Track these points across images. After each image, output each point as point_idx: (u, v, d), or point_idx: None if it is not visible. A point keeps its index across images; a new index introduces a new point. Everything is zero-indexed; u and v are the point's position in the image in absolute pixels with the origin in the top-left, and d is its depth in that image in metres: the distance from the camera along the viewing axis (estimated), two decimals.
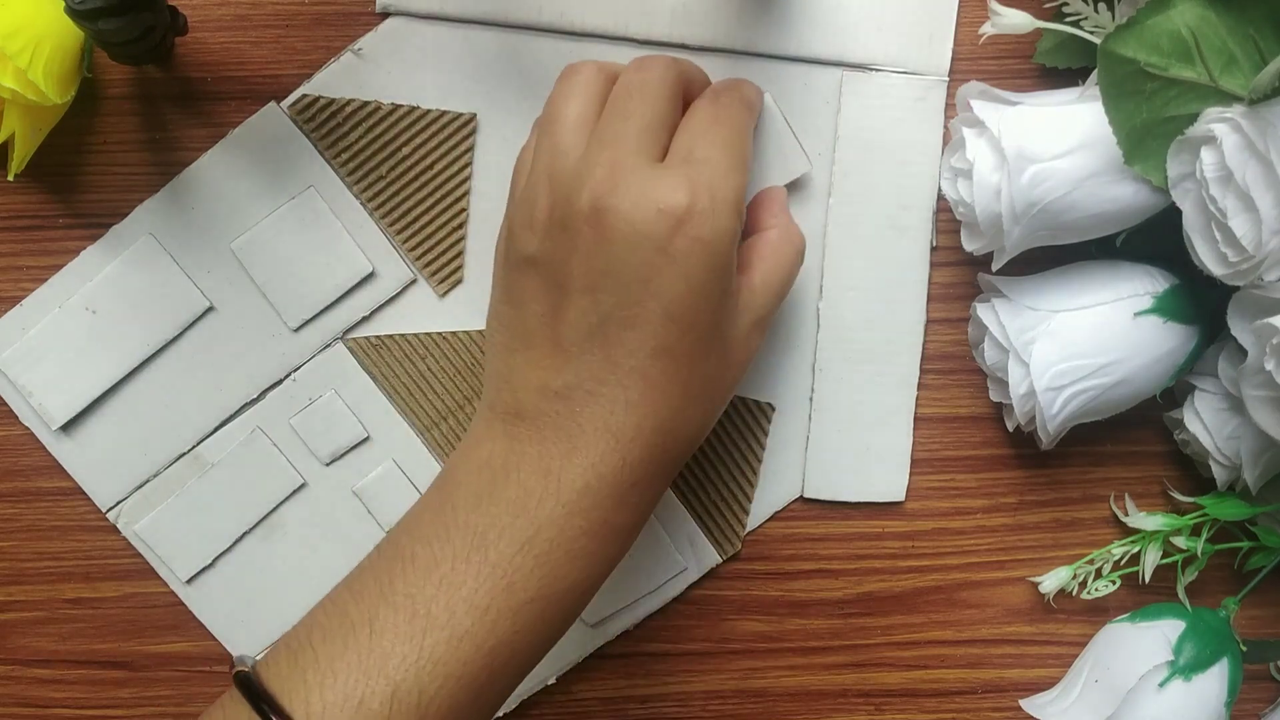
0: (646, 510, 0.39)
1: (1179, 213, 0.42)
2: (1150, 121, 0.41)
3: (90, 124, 0.48)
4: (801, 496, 0.50)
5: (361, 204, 0.48)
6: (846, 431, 0.50)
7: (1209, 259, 0.41)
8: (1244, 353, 0.42)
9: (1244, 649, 0.47)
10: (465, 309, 0.49)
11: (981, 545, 0.51)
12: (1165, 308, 0.44)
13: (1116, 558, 0.49)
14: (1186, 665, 0.45)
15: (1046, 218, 0.43)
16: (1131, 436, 0.50)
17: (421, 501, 0.40)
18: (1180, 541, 0.48)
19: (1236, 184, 0.38)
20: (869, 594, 0.51)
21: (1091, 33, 0.43)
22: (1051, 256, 0.47)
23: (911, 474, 0.50)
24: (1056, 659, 0.51)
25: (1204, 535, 0.47)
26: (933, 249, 0.49)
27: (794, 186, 0.49)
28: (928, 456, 0.50)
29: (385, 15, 0.47)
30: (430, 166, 0.48)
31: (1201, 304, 0.45)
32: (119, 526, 0.49)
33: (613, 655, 0.50)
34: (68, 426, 0.48)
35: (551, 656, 0.49)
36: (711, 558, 0.50)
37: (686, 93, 0.42)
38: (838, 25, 0.48)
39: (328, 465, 0.49)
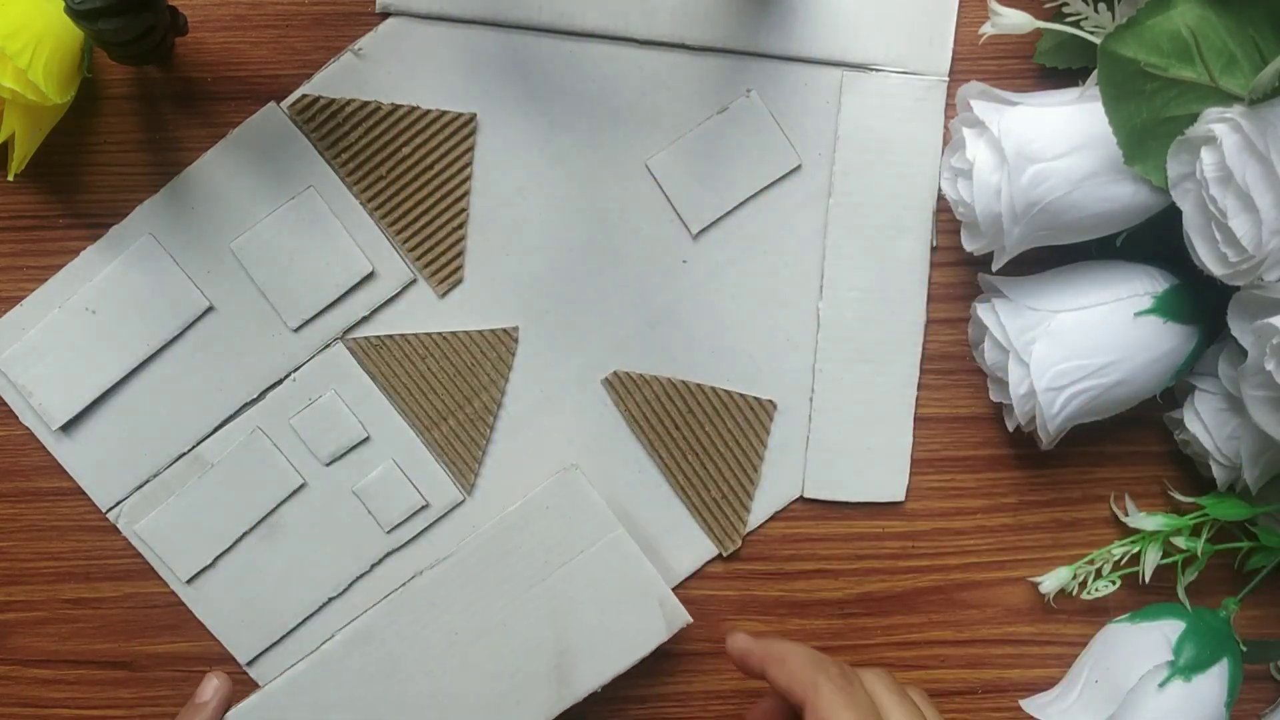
0: None
1: (1179, 213, 0.42)
2: (1150, 121, 0.41)
3: (90, 124, 0.48)
4: (801, 496, 0.50)
5: (361, 204, 0.48)
6: (846, 431, 0.50)
7: (1209, 259, 0.41)
8: (1244, 353, 0.42)
9: (1244, 649, 0.47)
10: (465, 309, 0.49)
11: (981, 545, 0.51)
12: (1165, 308, 0.44)
13: (1116, 558, 0.49)
14: (1186, 665, 0.45)
15: (1046, 218, 0.43)
16: (1131, 436, 0.50)
17: None
18: (1180, 541, 0.48)
19: (1236, 184, 0.38)
20: (869, 594, 0.51)
21: (1091, 33, 0.43)
22: (1051, 256, 0.47)
23: (911, 474, 0.50)
24: (1056, 659, 0.51)
25: (1204, 535, 0.47)
26: (933, 249, 0.49)
27: (794, 186, 0.49)
28: (928, 456, 0.50)
29: (385, 15, 0.47)
30: (430, 166, 0.48)
31: (1201, 304, 0.45)
32: (119, 526, 0.49)
33: None
34: (68, 426, 0.48)
35: None
36: (682, 617, 0.48)
37: None
38: (838, 25, 0.48)
39: (328, 465, 0.49)
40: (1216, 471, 0.47)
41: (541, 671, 0.48)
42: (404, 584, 0.47)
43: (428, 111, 0.48)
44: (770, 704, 0.45)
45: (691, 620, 0.48)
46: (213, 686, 0.48)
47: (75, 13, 0.40)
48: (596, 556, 0.48)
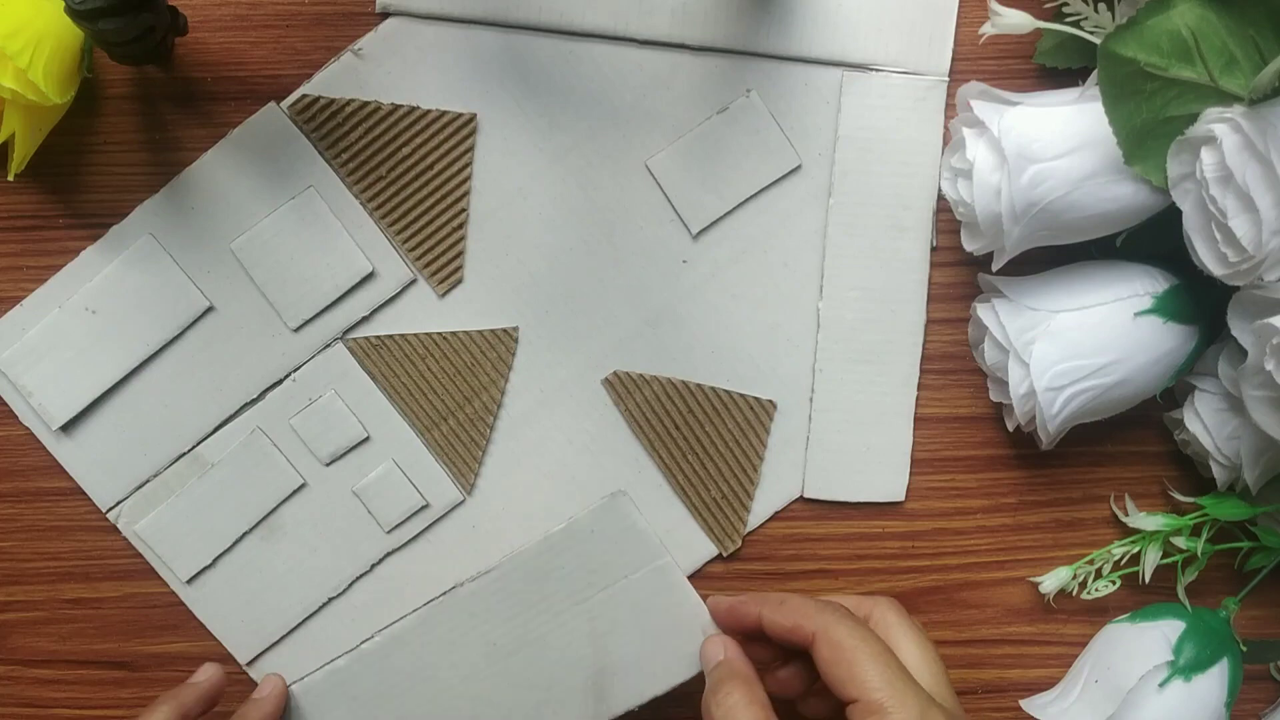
0: None
1: (1179, 213, 0.41)
2: (1150, 121, 0.41)
3: (90, 124, 0.48)
4: (801, 496, 0.50)
5: (361, 204, 0.48)
6: (846, 431, 0.50)
7: (1209, 259, 0.41)
8: (1244, 353, 0.42)
9: (1244, 649, 0.47)
10: (465, 309, 0.49)
11: (981, 545, 0.51)
12: (1165, 308, 0.44)
13: (1116, 558, 0.49)
14: (1186, 665, 0.45)
15: (1046, 218, 0.43)
16: (1131, 436, 0.50)
17: None
18: (1180, 541, 0.48)
19: (1236, 184, 0.38)
20: (870, 594, 0.50)
21: (1091, 33, 0.43)
22: (1051, 256, 0.47)
23: (911, 474, 0.50)
24: (1056, 659, 0.51)
25: (1204, 535, 0.47)
26: (933, 249, 0.49)
27: (793, 186, 0.49)
28: (928, 456, 0.50)
29: (385, 15, 0.47)
30: (430, 166, 0.48)
31: (1201, 304, 0.45)
32: (119, 526, 0.49)
33: None
34: (68, 426, 0.48)
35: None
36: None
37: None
38: (838, 25, 0.48)
39: (328, 465, 0.49)
40: (1216, 471, 0.47)
41: (578, 686, 0.47)
42: (443, 594, 0.47)
43: (428, 111, 0.48)
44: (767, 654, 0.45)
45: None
46: (271, 684, 0.48)
47: (75, 13, 0.40)
48: (641, 583, 0.47)
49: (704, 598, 0.47)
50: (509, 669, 0.47)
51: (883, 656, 0.40)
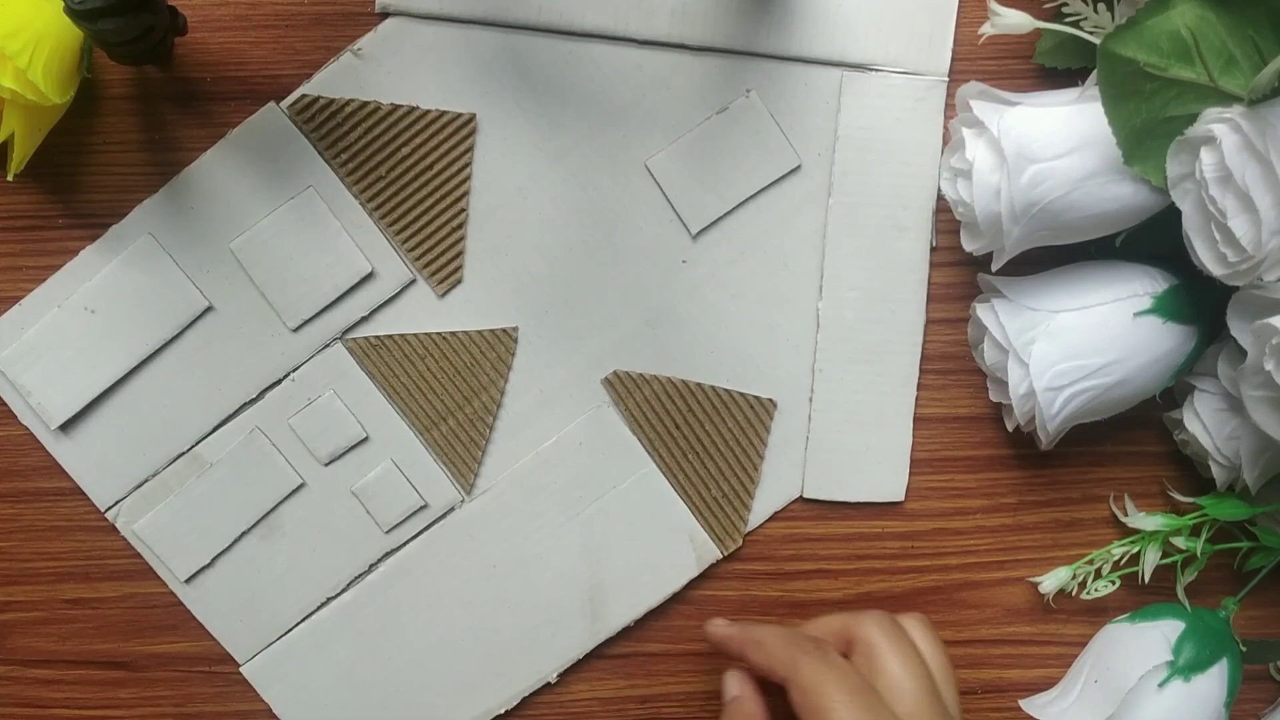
0: None
1: (1179, 213, 0.42)
2: (1150, 121, 0.41)
3: (90, 124, 0.48)
4: (801, 496, 0.50)
5: (361, 204, 0.48)
6: (846, 431, 0.50)
7: (1209, 259, 0.41)
8: (1244, 353, 0.42)
9: (1244, 649, 0.47)
10: (464, 309, 0.49)
11: (981, 545, 0.51)
12: (1165, 308, 0.44)
13: (1116, 558, 0.49)
14: (1186, 665, 0.45)
15: (1046, 218, 0.43)
16: (1131, 436, 0.50)
17: None
18: (1180, 542, 0.48)
19: (1236, 184, 0.38)
20: (869, 594, 0.51)
21: (1091, 33, 0.43)
22: (1051, 256, 0.47)
23: (911, 474, 0.50)
24: (1056, 659, 0.51)
25: (1204, 535, 0.47)
26: (933, 249, 0.49)
27: (793, 186, 0.49)
28: (928, 456, 0.50)
29: (385, 15, 0.47)
30: (430, 166, 0.48)
31: (1201, 304, 0.45)
32: (118, 526, 0.49)
33: (613, 655, 0.50)
34: (67, 426, 0.48)
35: (552, 653, 0.49)
36: (712, 553, 0.50)
37: None
38: (838, 25, 0.48)
39: (327, 465, 0.49)
40: (1216, 471, 0.47)
41: (575, 605, 0.49)
42: (442, 517, 0.48)
43: (428, 111, 0.48)
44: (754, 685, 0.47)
45: (722, 555, 0.50)
46: None
47: (75, 13, 0.40)
48: (628, 492, 0.49)
49: (706, 618, 0.48)
50: (508, 592, 0.49)
51: (849, 695, 0.40)
